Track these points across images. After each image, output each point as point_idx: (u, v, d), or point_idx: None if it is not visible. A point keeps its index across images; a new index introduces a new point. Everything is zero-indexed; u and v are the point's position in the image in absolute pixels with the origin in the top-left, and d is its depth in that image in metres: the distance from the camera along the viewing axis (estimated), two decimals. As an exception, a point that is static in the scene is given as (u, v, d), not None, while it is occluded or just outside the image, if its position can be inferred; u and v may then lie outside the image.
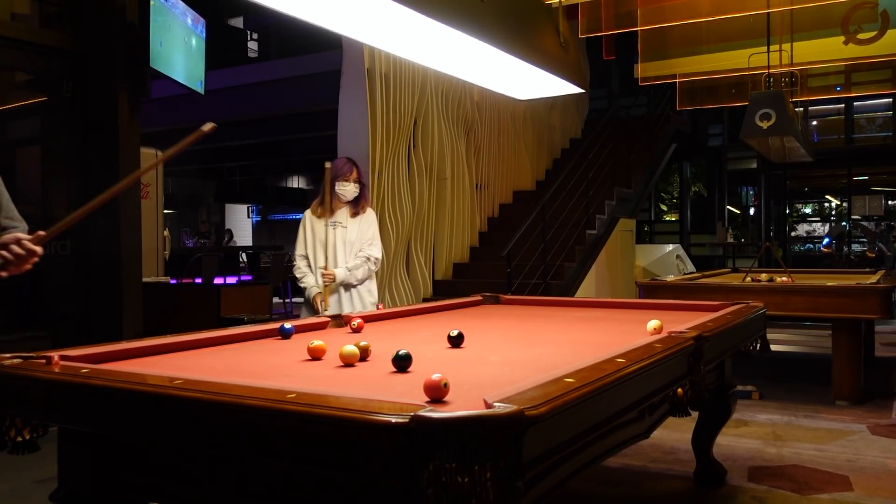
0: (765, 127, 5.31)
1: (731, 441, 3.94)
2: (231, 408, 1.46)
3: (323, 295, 4.02)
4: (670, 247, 10.77)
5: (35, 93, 5.19)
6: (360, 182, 4.13)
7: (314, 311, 3.98)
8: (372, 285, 4.21)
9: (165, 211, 9.61)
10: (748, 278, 5.76)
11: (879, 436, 4.10)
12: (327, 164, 4.02)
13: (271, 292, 10.67)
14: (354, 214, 4.13)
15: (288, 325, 2.59)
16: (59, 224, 2.23)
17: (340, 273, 4.05)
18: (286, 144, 14.18)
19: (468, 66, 3.12)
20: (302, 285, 4.14)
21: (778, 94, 5.55)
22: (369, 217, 4.19)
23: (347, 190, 4.09)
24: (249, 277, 10.84)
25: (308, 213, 4.19)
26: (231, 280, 9.61)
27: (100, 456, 1.82)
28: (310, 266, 4.12)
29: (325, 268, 4.03)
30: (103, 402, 1.66)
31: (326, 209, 4.06)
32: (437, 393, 1.53)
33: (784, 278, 5.58)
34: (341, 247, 4.07)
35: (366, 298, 4.15)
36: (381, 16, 2.37)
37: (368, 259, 4.12)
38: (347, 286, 4.10)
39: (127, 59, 4.47)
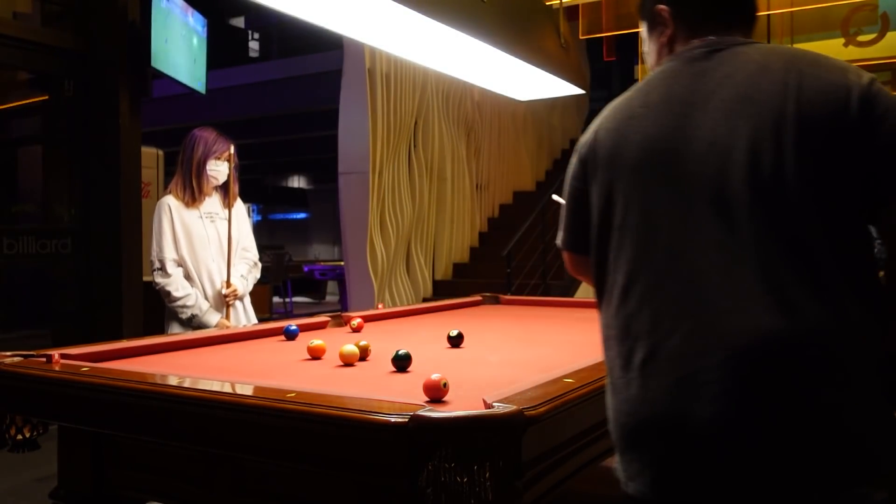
0: (765, 128, 5.30)
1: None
2: (231, 407, 1.46)
3: (227, 320, 3.04)
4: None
5: (36, 92, 5.20)
6: (236, 162, 3.20)
7: (191, 327, 2.99)
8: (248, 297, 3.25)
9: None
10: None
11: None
12: (197, 133, 3.12)
13: (271, 292, 10.70)
14: (229, 205, 3.18)
15: (293, 325, 2.59)
16: None
17: (241, 287, 3.12)
18: (286, 144, 14.19)
19: (469, 67, 3.13)
20: (184, 306, 2.97)
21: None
22: (242, 208, 3.30)
23: (220, 171, 3.10)
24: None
25: (170, 199, 3.06)
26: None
27: (100, 455, 1.83)
28: (189, 276, 3.04)
29: (228, 281, 3.05)
30: (103, 401, 1.66)
31: (200, 194, 3.09)
32: (436, 393, 1.53)
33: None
34: (217, 245, 3.10)
35: (251, 313, 3.25)
36: (382, 16, 2.38)
37: (256, 265, 3.27)
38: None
39: (128, 59, 4.48)
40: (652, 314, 1.15)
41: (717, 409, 1.06)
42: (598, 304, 1.31)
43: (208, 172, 3.08)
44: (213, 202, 3.15)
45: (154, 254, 3.00)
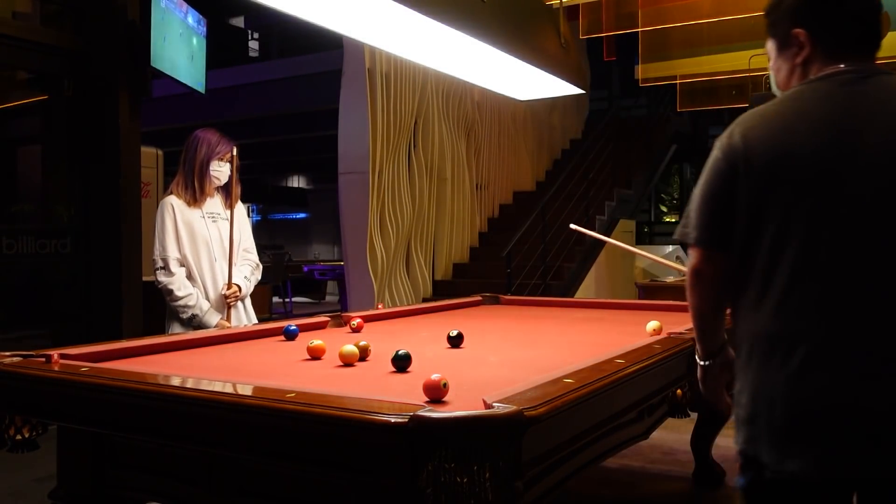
0: (765, 128, 5.30)
1: (731, 442, 3.92)
2: (231, 407, 1.46)
3: (227, 321, 3.02)
4: (670, 248, 10.77)
5: (36, 91, 5.19)
6: (238, 164, 3.19)
7: (192, 327, 2.99)
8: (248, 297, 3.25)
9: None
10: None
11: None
12: (200, 134, 3.11)
13: (271, 292, 10.69)
14: (230, 205, 3.16)
15: (293, 326, 2.59)
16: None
17: (244, 288, 3.13)
18: (286, 144, 14.18)
19: (469, 67, 3.13)
20: (186, 305, 2.96)
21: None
22: (242, 209, 3.32)
23: (223, 172, 3.11)
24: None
25: (172, 199, 3.05)
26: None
27: (99, 455, 1.83)
28: (190, 276, 3.03)
29: (230, 282, 3.05)
30: (103, 401, 1.66)
31: (202, 194, 3.09)
32: (436, 393, 1.53)
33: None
34: (219, 246, 3.10)
35: (251, 314, 3.24)
36: (382, 16, 2.38)
37: (258, 266, 3.27)
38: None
39: (128, 59, 4.47)
40: (816, 314, 1.32)
41: (889, 398, 1.26)
42: (742, 297, 1.42)
43: (211, 173, 3.08)
44: (214, 202, 3.14)
45: (157, 252, 2.99)
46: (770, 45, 1.55)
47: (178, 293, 2.96)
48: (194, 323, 2.98)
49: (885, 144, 1.31)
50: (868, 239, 1.30)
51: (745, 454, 1.43)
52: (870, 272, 1.30)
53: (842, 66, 1.41)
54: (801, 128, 1.36)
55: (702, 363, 1.62)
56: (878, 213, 1.30)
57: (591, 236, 4.15)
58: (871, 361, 1.28)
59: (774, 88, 1.59)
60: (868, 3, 1.45)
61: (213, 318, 3.01)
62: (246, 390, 1.54)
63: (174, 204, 3.03)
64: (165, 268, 2.98)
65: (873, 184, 1.30)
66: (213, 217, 3.11)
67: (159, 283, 2.99)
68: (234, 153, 3.11)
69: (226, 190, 3.17)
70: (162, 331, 3.10)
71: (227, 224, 3.12)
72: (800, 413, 1.33)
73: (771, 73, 1.58)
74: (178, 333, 2.78)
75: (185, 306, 2.96)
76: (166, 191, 3.16)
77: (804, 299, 1.33)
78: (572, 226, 3.88)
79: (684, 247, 1.53)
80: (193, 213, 3.05)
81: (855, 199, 1.30)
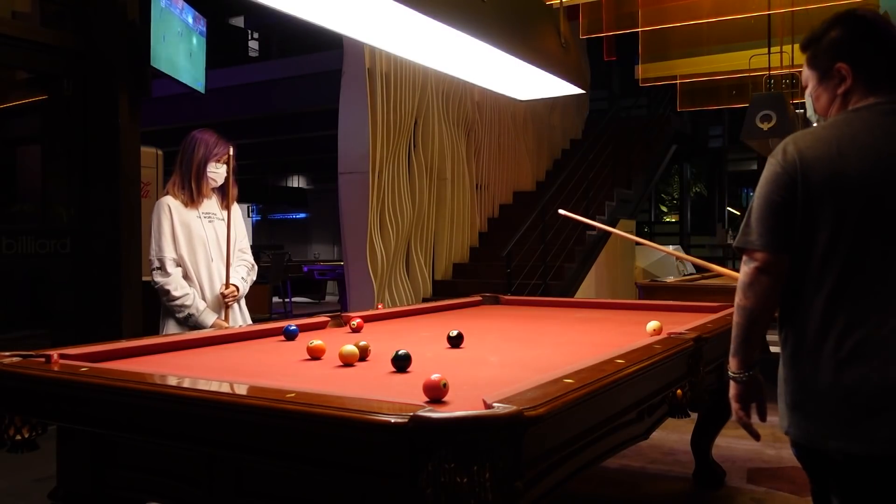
0: (765, 128, 5.31)
1: (731, 442, 3.94)
2: (230, 407, 1.46)
3: (225, 321, 3.03)
4: (670, 248, 10.77)
5: (35, 91, 5.19)
6: (235, 165, 3.19)
7: (188, 327, 2.98)
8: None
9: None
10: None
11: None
12: (198, 135, 3.11)
13: (271, 292, 10.69)
14: (226, 206, 3.18)
15: (293, 326, 2.59)
16: None
17: (241, 288, 3.16)
18: (286, 144, 14.17)
19: (469, 67, 3.12)
20: (182, 305, 2.96)
21: (779, 96, 5.55)
22: (239, 209, 3.30)
23: (220, 174, 3.12)
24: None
25: (169, 199, 3.05)
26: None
27: (99, 455, 1.82)
28: (187, 276, 3.03)
29: (228, 282, 3.06)
30: (102, 401, 1.66)
31: (199, 195, 3.09)
32: (436, 393, 1.53)
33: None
34: (215, 246, 3.09)
35: (246, 314, 3.25)
36: (382, 15, 2.37)
37: (253, 266, 3.28)
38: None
39: (127, 58, 4.47)
40: (863, 310, 1.52)
41: None
42: (794, 297, 1.62)
43: (208, 175, 3.08)
44: (211, 203, 3.14)
45: (153, 253, 2.99)
46: (809, 74, 1.74)
47: (175, 293, 2.95)
48: (190, 322, 2.98)
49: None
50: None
51: (790, 435, 1.66)
52: None
53: (882, 97, 1.62)
54: (852, 151, 1.56)
55: (739, 377, 1.68)
56: None
57: (580, 221, 4.23)
58: None
59: (811, 113, 1.79)
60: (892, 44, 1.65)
61: (210, 318, 3.01)
62: (245, 390, 1.54)
63: (170, 204, 3.02)
64: (162, 268, 2.97)
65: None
66: (209, 217, 3.11)
67: (156, 283, 2.99)
68: (231, 153, 3.11)
69: (222, 191, 3.17)
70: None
71: (224, 224, 3.12)
72: (846, 395, 1.52)
73: (809, 98, 1.77)
74: (175, 333, 2.77)
75: (182, 306, 2.96)
76: (163, 191, 3.15)
77: (854, 295, 1.54)
78: (561, 211, 4.00)
79: (740, 253, 1.67)
80: (190, 214, 3.05)
81: (893, 213, 1.53)
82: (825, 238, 1.56)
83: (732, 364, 1.68)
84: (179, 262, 3.00)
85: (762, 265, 1.61)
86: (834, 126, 1.63)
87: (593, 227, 8.09)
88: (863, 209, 1.54)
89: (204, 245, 3.05)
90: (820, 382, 1.56)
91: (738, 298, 1.65)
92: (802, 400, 1.60)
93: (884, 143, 1.56)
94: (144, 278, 4.27)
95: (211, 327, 2.93)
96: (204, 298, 3.04)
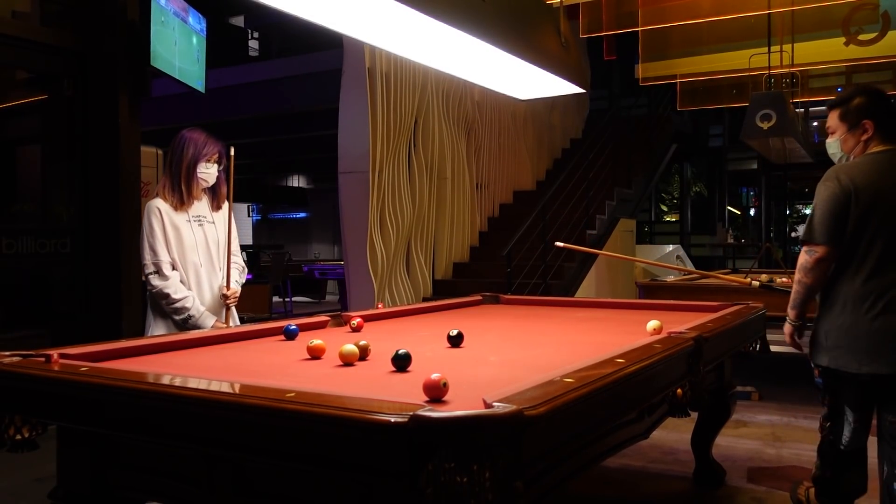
0: (765, 128, 5.31)
1: (731, 442, 3.94)
2: (230, 407, 1.46)
3: (225, 324, 2.99)
4: (670, 247, 10.78)
5: (35, 91, 5.19)
6: (226, 164, 3.09)
7: (185, 328, 2.92)
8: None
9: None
10: (749, 278, 5.75)
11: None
12: (187, 135, 3.03)
13: (271, 291, 10.68)
14: (217, 207, 3.12)
15: (293, 325, 2.59)
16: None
17: (238, 291, 3.12)
18: (286, 144, 14.17)
19: (469, 66, 3.12)
20: (183, 308, 2.90)
21: (778, 95, 5.54)
22: (227, 209, 3.20)
23: (210, 174, 3.04)
24: (249, 276, 10.83)
25: (158, 202, 2.96)
26: (231, 279, 9.59)
27: (99, 455, 1.82)
28: (182, 281, 2.96)
29: (228, 283, 3.02)
30: (102, 401, 1.66)
31: (189, 197, 3.02)
32: (436, 392, 1.53)
33: (784, 279, 5.58)
34: (205, 249, 3.03)
35: (235, 317, 3.16)
36: (382, 15, 2.37)
37: (244, 268, 3.23)
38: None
39: (127, 58, 4.47)
40: (890, 282, 2.42)
41: None
42: (840, 274, 2.50)
43: (198, 175, 3.00)
44: (201, 205, 3.07)
45: (147, 258, 2.92)
46: (838, 123, 2.61)
47: (175, 296, 2.89)
48: (189, 325, 2.91)
49: None
50: None
51: (828, 367, 2.53)
52: None
53: (892, 145, 2.53)
54: (883, 179, 2.46)
55: (795, 323, 2.67)
56: None
57: (578, 251, 4.55)
58: None
59: (835, 150, 2.66)
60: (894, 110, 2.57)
61: (209, 321, 2.96)
62: (246, 390, 1.54)
63: (160, 207, 2.95)
64: (158, 272, 2.90)
65: None
66: (199, 221, 3.03)
67: (153, 287, 2.91)
68: (232, 154, 3.07)
69: (212, 192, 3.10)
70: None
71: (214, 227, 3.06)
72: (878, 337, 2.41)
73: (837, 139, 2.63)
74: (163, 335, 2.74)
75: (183, 308, 2.91)
76: (152, 194, 3.06)
77: (885, 274, 2.43)
78: (558, 243, 4.32)
79: (804, 245, 2.54)
80: (180, 218, 2.97)
81: None
82: (868, 236, 2.44)
83: (791, 315, 2.65)
84: (175, 266, 2.95)
85: (822, 255, 2.47)
86: (870, 162, 2.50)
87: (593, 227, 8.11)
88: (891, 218, 2.42)
89: (194, 250, 2.98)
90: (859, 329, 2.43)
91: (800, 276, 2.54)
92: (843, 341, 2.47)
93: None
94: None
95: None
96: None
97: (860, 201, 2.41)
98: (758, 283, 4.09)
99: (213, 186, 3.09)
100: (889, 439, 2.55)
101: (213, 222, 3.07)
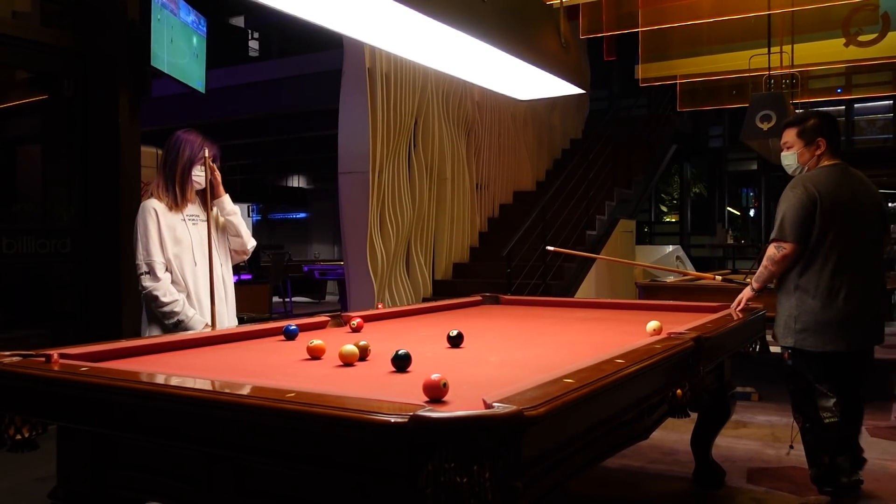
0: (765, 128, 5.31)
1: (731, 442, 3.94)
2: (230, 407, 1.46)
3: (211, 326, 2.93)
4: (670, 248, 10.77)
5: (36, 91, 5.19)
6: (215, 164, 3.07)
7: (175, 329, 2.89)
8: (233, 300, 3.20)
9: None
10: (748, 279, 5.75)
11: (878, 438, 4.10)
12: (182, 136, 3.02)
13: (271, 291, 10.69)
14: (209, 207, 3.08)
15: (293, 325, 2.59)
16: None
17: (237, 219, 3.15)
18: (286, 144, 14.17)
19: (469, 67, 3.12)
20: (171, 312, 2.86)
21: (778, 96, 5.55)
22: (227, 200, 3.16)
23: (203, 176, 3.02)
24: (249, 276, 10.85)
25: (154, 202, 2.95)
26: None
27: (99, 455, 1.83)
28: (174, 281, 2.93)
29: (213, 323, 2.92)
30: (102, 401, 1.66)
31: (184, 199, 3.00)
32: (436, 393, 1.53)
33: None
34: (200, 249, 3.02)
35: (233, 315, 3.17)
36: (382, 15, 2.37)
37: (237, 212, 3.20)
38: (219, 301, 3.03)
39: (128, 58, 4.47)
40: (849, 278, 2.93)
41: (876, 313, 3.05)
42: (804, 270, 2.99)
43: (193, 177, 2.99)
44: (193, 206, 3.05)
45: (141, 258, 2.88)
46: (795, 139, 3.10)
47: (164, 299, 2.86)
48: (179, 328, 2.87)
49: (865, 201, 3.04)
50: (864, 245, 3.03)
51: (794, 347, 3.02)
52: (865, 260, 3.02)
53: (838, 160, 3.07)
54: (840, 189, 2.98)
55: (756, 292, 3.15)
56: (867, 233, 3.04)
57: (572, 254, 4.72)
58: (865, 298, 2.98)
59: (790, 162, 3.13)
60: (839, 132, 3.18)
61: (198, 325, 2.92)
62: (246, 390, 1.54)
63: (156, 207, 2.93)
64: (151, 273, 2.87)
65: (863, 219, 3.03)
66: (193, 220, 3.02)
67: (144, 288, 2.88)
68: (215, 153, 3.04)
69: (202, 193, 3.07)
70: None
71: (204, 224, 3.04)
72: (840, 322, 2.93)
73: (794, 152, 3.11)
74: (168, 334, 2.73)
75: (171, 312, 2.87)
76: (146, 194, 3.04)
77: (844, 270, 2.94)
78: (549, 247, 4.56)
79: (775, 241, 3.04)
80: (175, 217, 2.95)
81: (860, 226, 3.01)
82: (832, 236, 2.94)
83: (756, 286, 3.11)
84: (168, 267, 2.91)
85: (789, 252, 2.98)
86: (826, 175, 3.00)
87: (593, 227, 8.11)
88: (847, 222, 2.95)
89: (190, 249, 2.96)
90: (825, 315, 2.94)
91: (767, 264, 3.04)
92: (811, 326, 2.96)
93: (848, 185, 3.01)
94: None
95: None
96: (191, 302, 2.96)
97: (824, 207, 2.90)
98: (720, 277, 4.54)
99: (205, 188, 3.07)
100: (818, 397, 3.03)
101: (206, 221, 3.04)
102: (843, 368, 3.00)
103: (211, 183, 3.04)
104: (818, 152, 3.04)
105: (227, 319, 3.10)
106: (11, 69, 5.04)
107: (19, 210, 5.40)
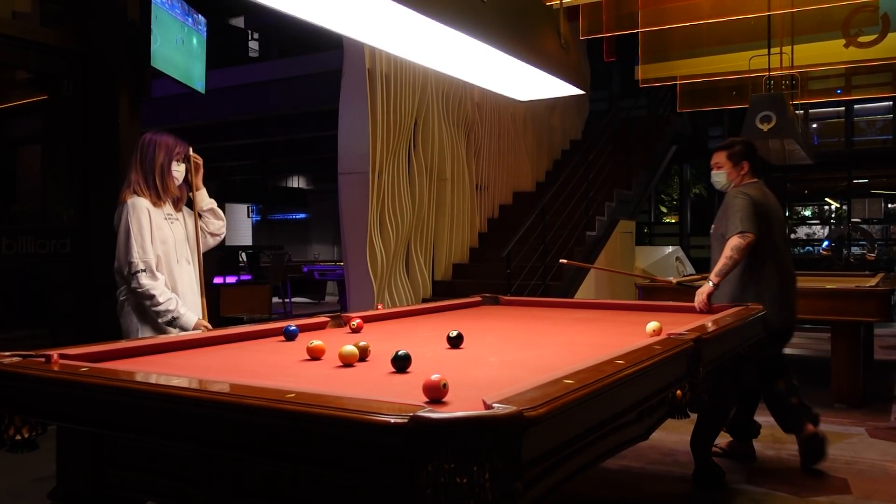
0: (765, 129, 5.31)
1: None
2: (230, 407, 1.46)
3: (205, 321, 3.01)
4: (670, 248, 10.78)
5: (35, 91, 5.19)
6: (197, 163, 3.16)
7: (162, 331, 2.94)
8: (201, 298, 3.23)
9: (165, 210, 9.57)
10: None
11: (878, 439, 4.10)
12: (156, 138, 3.06)
13: (270, 292, 10.69)
14: (179, 209, 3.16)
15: (293, 326, 2.59)
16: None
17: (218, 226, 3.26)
18: (286, 144, 14.17)
19: (469, 67, 3.12)
20: (167, 310, 2.89)
21: (778, 97, 5.55)
22: (190, 206, 3.22)
23: (181, 172, 3.10)
24: (249, 277, 10.85)
25: (142, 201, 2.96)
26: (231, 279, 9.61)
27: (99, 455, 1.82)
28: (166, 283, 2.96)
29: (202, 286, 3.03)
30: (102, 401, 1.66)
31: (166, 194, 3.05)
32: (436, 393, 1.53)
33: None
34: (182, 246, 3.08)
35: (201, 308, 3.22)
36: (382, 16, 2.37)
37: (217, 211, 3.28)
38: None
39: (127, 59, 4.47)
40: (785, 268, 3.73)
41: (793, 300, 3.80)
42: (756, 259, 3.58)
43: (173, 172, 3.04)
44: (167, 205, 3.09)
45: (136, 256, 2.89)
46: (725, 161, 3.78)
47: (160, 298, 2.88)
48: (175, 326, 2.91)
49: (778, 209, 3.79)
50: (787, 241, 3.99)
51: (774, 324, 3.53)
52: (787, 256, 3.79)
53: (759, 179, 3.77)
54: (767, 199, 3.69)
55: (715, 285, 3.45)
56: (785, 232, 3.83)
57: (585, 268, 5.19)
58: (792, 284, 3.76)
59: (720, 179, 3.82)
60: (758, 156, 4.12)
61: (192, 320, 2.94)
62: (245, 390, 1.54)
63: (144, 206, 2.94)
64: (147, 270, 2.89)
65: (780, 223, 3.78)
66: (170, 219, 3.06)
67: (140, 286, 2.88)
68: (191, 152, 3.11)
69: (180, 188, 3.14)
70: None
71: (181, 224, 3.10)
72: (781, 303, 3.62)
73: (724, 171, 3.79)
74: (149, 337, 2.72)
75: (167, 311, 2.89)
76: (130, 193, 3.02)
77: (784, 264, 3.72)
78: (562, 260, 4.76)
79: (738, 233, 3.51)
80: (159, 216, 2.99)
81: (781, 227, 3.78)
82: (774, 236, 3.64)
83: (716, 280, 3.45)
84: (159, 265, 2.94)
85: (752, 241, 3.48)
86: (754, 188, 3.66)
87: (593, 228, 8.11)
88: (776, 226, 3.68)
89: (173, 247, 3.01)
90: (777, 298, 3.59)
91: (732, 254, 3.46)
92: (772, 308, 3.47)
93: (768, 196, 3.71)
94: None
95: (194, 329, 2.88)
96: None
97: (760, 211, 3.56)
98: (677, 280, 4.88)
99: (179, 186, 3.14)
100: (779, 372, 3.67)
101: (178, 220, 3.11)
102: (786, 338, 3.79)
103: (187, 178, 3.11)
104: (742, 172, 3.73)
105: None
106: (11, 69, 5.05)
107: (19, 210, 5.41)
